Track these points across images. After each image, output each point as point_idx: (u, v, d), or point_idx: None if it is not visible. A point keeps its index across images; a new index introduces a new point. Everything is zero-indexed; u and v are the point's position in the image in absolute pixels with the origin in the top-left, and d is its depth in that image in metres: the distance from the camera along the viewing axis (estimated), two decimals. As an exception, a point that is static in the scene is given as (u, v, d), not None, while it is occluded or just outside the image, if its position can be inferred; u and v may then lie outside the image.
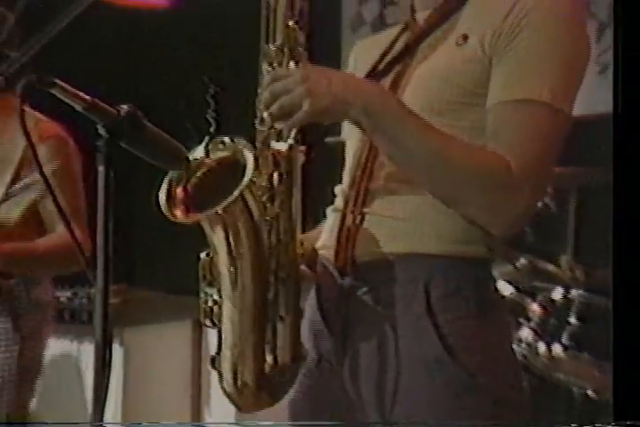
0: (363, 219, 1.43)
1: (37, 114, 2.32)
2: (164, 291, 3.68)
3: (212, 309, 1.37)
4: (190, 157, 1.36)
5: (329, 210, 1.54)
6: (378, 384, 1.40)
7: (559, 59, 1.37)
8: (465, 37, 1.40)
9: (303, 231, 1.44)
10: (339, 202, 1.51)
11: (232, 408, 3.44)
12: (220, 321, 1.37)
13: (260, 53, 1.39)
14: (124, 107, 1.29)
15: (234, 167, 1.33)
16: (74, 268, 2.41)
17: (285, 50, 1.36)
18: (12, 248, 2.35)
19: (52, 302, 2.64)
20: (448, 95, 1.40)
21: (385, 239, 1.41)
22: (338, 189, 1.53)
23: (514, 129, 1.35)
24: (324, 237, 1.50)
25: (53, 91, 1.23)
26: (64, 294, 3.53)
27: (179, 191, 1.35)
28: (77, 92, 1.28)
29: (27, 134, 1.29)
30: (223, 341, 1.38)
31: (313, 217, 1.56)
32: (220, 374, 1.40)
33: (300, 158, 1.39)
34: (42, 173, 1.41)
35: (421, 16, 1.51)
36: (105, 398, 1.28)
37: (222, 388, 1.41)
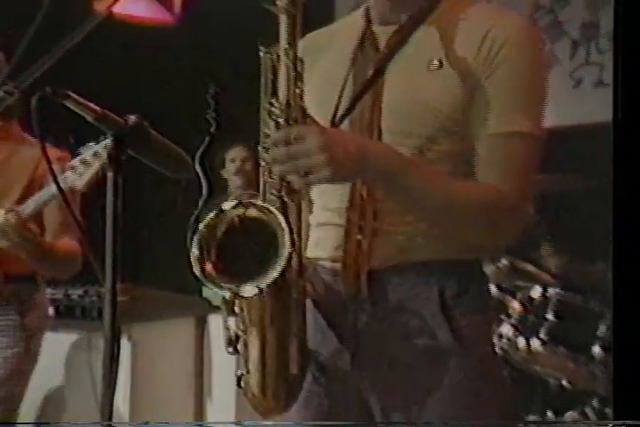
0: (374, 233, 1.43)
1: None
2: (168, 290, 3.68)
3: (237, 337, 1.37)
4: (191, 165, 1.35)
5: (313, 222, 1.52)
6: (394, 382, 1.42)
7: (533, 90, 1.43)
8: (439, 62, 1.41)
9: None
10: (327, 217, 1.49)
11: (231, 395, 3.44)
12: (245, 348, 1.37)
13: (262, 107, 1.35)
14: (131, 117, 1.31)
15: (257, 227, 1.31)
16: (70, 272, 2.49)
17: (292, 105, 1.33)
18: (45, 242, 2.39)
19: (47, 304, 2.67)
20: (426, 119, 1.41)
21: (398, 250, 1.43)
22: (317, 208, 1.52)
23: (503, 160, 1.40)
24: (318, 251, 1.49)
25: (67, 102, 1.25)
26: (76, 292, 3.53)
27: (208, 267, 1.32)
28: (88, 103, 1.29)
29: (47, 160, 1.30)
30: (250, 362, 1.38)
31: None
32: (245, 393, 1.40)
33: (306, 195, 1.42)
34: (60, 189, 1.42)
35: (380, 31, 1.49)
36: (114, 387, 1.30)
37: (248, 399, 1.41)
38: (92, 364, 3.08)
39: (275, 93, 1.34)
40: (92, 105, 1.29)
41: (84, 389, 3.11)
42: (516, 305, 3.05)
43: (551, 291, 3.03)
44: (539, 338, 2.98)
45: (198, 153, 1.41)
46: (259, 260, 1.30)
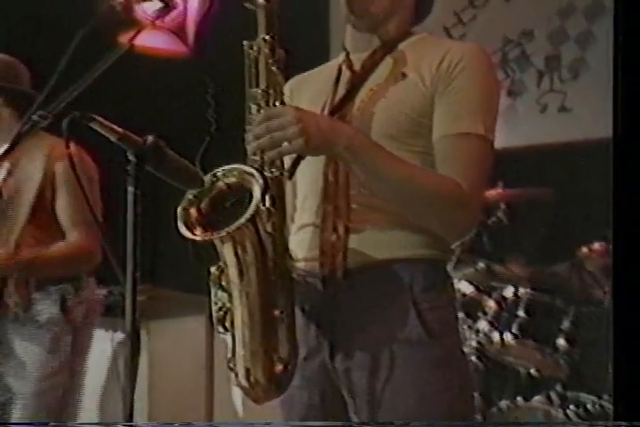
0: (347, 231, 1.42)
1: (52, 136, 2.26)
2: (182, 290, 3.67)
3: (224, 315, 1.34)
4: (204, 181, 1.34)
5: (295, 227, 1.50)
6: (372, 371, 1.39)
7: (486, 100, 1.45)
8: (404, 75, 1.45)
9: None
10: (308, 219, 1.47)
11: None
12: (231, 326, 1.34)
13: (247, 96, 1.37)
14: (149, 137, 1.31)
15: (241, 191, 1.32)
16: (80, 270, 2.43)
17: (271, 92, 1.36)
18: (30, 255, 2.34)
19: (97, 301, 2.62)
20: (399, 123, 1.43)
21: (370, 248, 1.42)
22: (299, 211, 1.50)
23: (459, 157, 1.41)
24: (301, 251, 1.46)
25: (92, 125, 1.25)
26: (101, 292, 3.52)
27: (193, 211, 1.33)
28: (112, 125, 1.29)
29: (72, 166, 1.30)
30: (237, 343, 1.34)
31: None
32: (235, 373, 1.36)
33: (288, 184, 1.40)
34: (80, 183, 1.44)
35: (356, 58, 1.52)
36: (135, 377, 1.28)
37: (237, 384, 1.37)
38: (117, 357, 3.07)
39: (257, 82, 1.36)
40: (114, 127, 1.29)
41: (108, 380, 3.11)
42: (491, 304, 3.05)
43: (522, 291, 3.03)
44: (511, 332, 2.98)
45: (200, 151, 1.41)
46: (237, 215, 1.29)
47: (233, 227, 1.28)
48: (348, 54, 1.54)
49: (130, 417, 1.24)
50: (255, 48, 1.37)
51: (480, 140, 1.41)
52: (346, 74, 1.52)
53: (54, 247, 2.39)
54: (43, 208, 2.38)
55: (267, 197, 1.32)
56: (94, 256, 2.38)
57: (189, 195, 1.34)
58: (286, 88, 1.48)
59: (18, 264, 2.32)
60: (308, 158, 1.44)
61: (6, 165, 2.41)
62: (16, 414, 2.35)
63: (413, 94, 1.44)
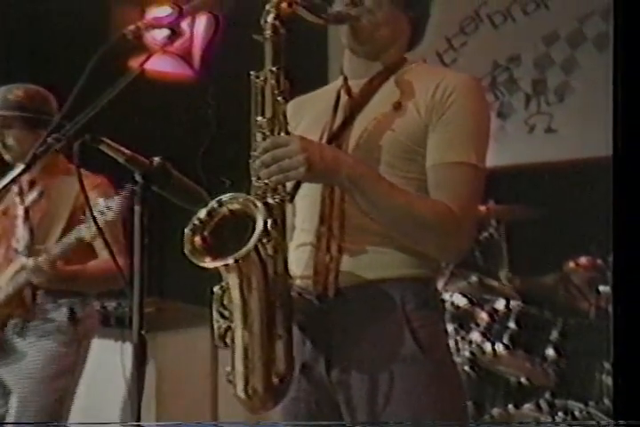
0: (341, 251, 1.41)
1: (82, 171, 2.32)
2: (188, 302, 3.66)
3: (225, 332, 1.32)
4: (208, 208, 1.33)
5: (292, 245, 1.48)
6: (368, 386, 1.38)
7: (478, 129, 1.44)
8: (399, 104, 1.44)
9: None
10: (305, 238, 1.46)
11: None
12: (232, 342, 1.32)
13: (252, 124, 1.36)
14: (156, 159, 1.31)
15: (244, 218, 1.31)
16: (113, 287, 2.42)
17: (276, 121, 1.35)
18: (69, 271, 2.36)
19: (96, 314, 2.64)
20: (395, 151, 1.42)
21: (362, 268, 1.41)
22: (297, 230, 1.49)
23: (451, 186, 1.40)
24: (298, 269, 1.45)
25: (101, 147, 1.25)
26: (111, 304, 3.51)
27: (197, 239, 1.31)
28: (120, 147, 1.29)
29: (82, 187, 1.30)
30: (236, 358, 1.33)
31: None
32: (234, 386, 1.35)
33: (288, 206, 1.38)
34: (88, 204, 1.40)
35: (354, 84, 1.51)
36: (142, 387, 1.29)
37: (236, 396, 1.35)
38: (125, 366, 3.05)
39: (263, 111, 1.36)
40: (122, 149, 1.29)
41: (116, 389, 3.08)
42: (483, 315, 3.04)
43: (513, 303, 3.02)
44: (502, 343, 2.96)
45: (199, 153, 1.40)
46: (241, 242, 1.28)
47: (237, 256, 1.27)
48: (346, 79, 1.53)
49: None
50: (262, 78, 1.36)
51: (471, 168, 1.40)
52: (344, 99, 1.51)
53: (93, 263, 2.42)
54: (74, 226, 2.37)
55: (268, 222, 1.31)
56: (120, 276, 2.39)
57: (194, 220, 1.33)
58: (287, 109, 1.45)
59: (58, 277, 2.32)
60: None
61: (38, 187, 2.48)
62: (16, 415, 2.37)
63: (408, 123, 1.42)
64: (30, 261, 2.31)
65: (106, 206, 2.12)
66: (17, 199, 2.51)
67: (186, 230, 1.32)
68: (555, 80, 3.71)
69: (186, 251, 1.30)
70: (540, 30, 3.75)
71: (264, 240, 1.31)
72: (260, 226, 1.27)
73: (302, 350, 1.41)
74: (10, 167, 2.31)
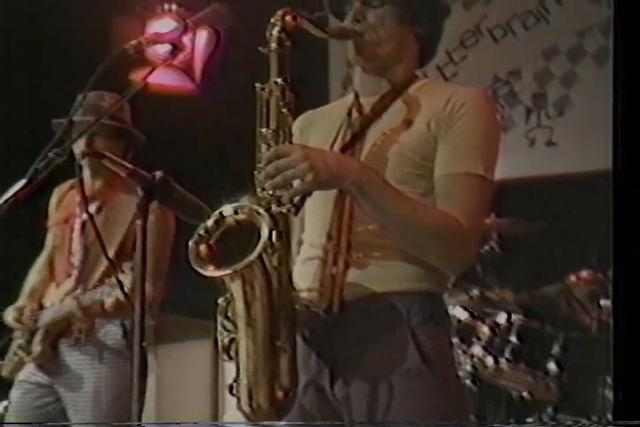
0: (347, 265, 1.41)
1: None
2: (189, 316, 3.65)
3: (229, 344, 1.32)
4: (214, 218, 1.32)
5: (299, 259, 1.48)
6: (371, 399, 1.37)
7: (487, 141, 1.44)
8: (410, 121, 1.44)
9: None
10: (313, 253, 1.46)
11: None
12: (236, 355, 1.31)
13: (257, 136, 1.36)
14: (158, 173, 1.30)
15: (250, 228, 1.30)
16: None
17: (280, 132, 1.35)
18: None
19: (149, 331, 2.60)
20: (404, 167, 1.42)
21: (368, 281, 1.40)
22: (305, 244, 1.49)
23: (458, 196, 1.40)
24: (304, 282, 1.44)
25: (104, 162, 1.25)
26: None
27: (203, 248, 1.30)
28: (122, 161, 1.29)
29: (84, 198, 1.28)
30: (241, 371, 1.31)
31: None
32: (238, 399, 1.33)
33: (292, 219, 1.36)
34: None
35: (365, 101, 1.51)
36: (143, 399, 1.28)
37: (239, 409, 1.34)
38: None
39: (267, 123, 1.35)
40: (124, 163, 1.29)
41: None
42: (485, 329, 3.03)
43: (514, 317, 3.01)
44: (504, 357, 2.96)
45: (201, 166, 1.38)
46: (245, 250, 1.27)
47: (242, 265, 1.26)
48: (357, 97, 1.53)
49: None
50: (267, 90, 1.36)
51: (479, 179, 1.40)
52: (355, 117, 1.51)
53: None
54: (126, 250, 2.32)
55: (273, 233, 1.30)
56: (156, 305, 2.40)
57: (200, 230, 1.32)
58: (296, 124, 1.48)
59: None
60: (318, 197, 1.42)
61: (97, 202, 2.40)
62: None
63: (418, 139, 1.42)
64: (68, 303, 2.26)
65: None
66: (77, 210, 2.45)
67: (191, 240, 1.31)
68: (555, 94, 3.72)
69: (191, 259, 1.29)
70: (540, 44, 3.76)
71: (269, 251, 1.30)
72: (264, 235, 1.26)
73: (307, 362, 1.40)
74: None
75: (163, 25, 4.02)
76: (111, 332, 2.37)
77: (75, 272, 2.39)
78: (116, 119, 2.35)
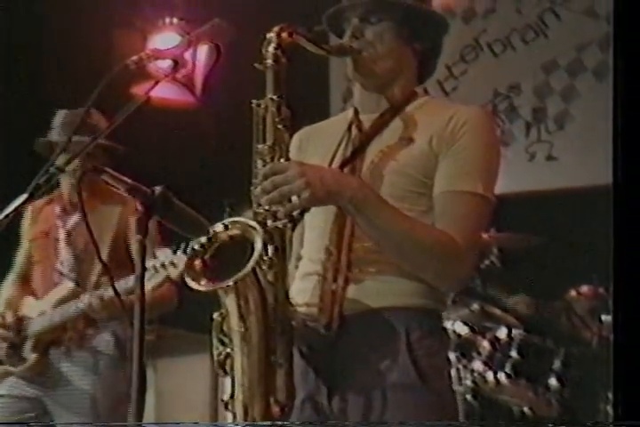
0: (347, 281, 1.41)
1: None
2: (188, 330, 3.64)
3: (224, 359, 1.32)
4: (209, 230, 1.32)
5: (298, 274, 1.48)
6: (366, 414, 1.36)
7: (487, 161, 1.44)
8: (411, 139, 1.44)
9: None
10: (312, 268, 1.46)
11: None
12: (231, 369, 1.31)
13: (254, 151, 1.36)
14: (157, 188, 1.30)
15: (243, 242, 1.30)
16: (160, 314, 2.44)
17: (276, 148, 1.35)
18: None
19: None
20: (404, 184, 1.42)
21: (367, 297, 1.40)
22: (304, 260, 1.49)
23: (456, 214, 1.40)
24: (303, 298, 1.44)
25: (104, 177, 1.25)
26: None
27: (198, 263, 1.31)
28: (122, 176, 1.29)
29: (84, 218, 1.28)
30: (236, 386, 1.31)
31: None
32: (234, 414, 1.33)
33: (289, 234, 1.36)
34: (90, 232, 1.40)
35: (365, 118, 1.51)
36: (142, 412, 1.26)
37: (235, 424, 1.34)
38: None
39: (264, 138, 1.36)
40: (124, 178, 1.29)
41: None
42: (485, 344, 3.02)
43: (515, 332, 3.00)
44: (505, 372, 2.95)
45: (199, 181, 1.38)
46: (239, 265, 1.27)
47: (235, 278, 1.26)
48: (357, 113, 1.53)
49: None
50: (263, 106, 1.37)
51: (478, 198, 1.40)
52: (354, 133, 1.51)
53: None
54: (120, 252, 2.37)
55: (269, 248, 1.30)
56: (173, 302, 2.40)
57: (195, 245, 1.32)
58: (295, 139, 1.49)
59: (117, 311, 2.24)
60: (318, 213, 1.43)
61: (78, 214, 2.43)
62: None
63: (419, 156, 1.42)
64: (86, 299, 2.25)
65: (171, 262, 2.07)
66: (58, 222, 2.48)
67: (187, 255, 1.32)
68: (554, 108, 3.73)
69: (185, 274, 1.30)
70: (540, 59, 3.77)
71: (264, 267, 1.30)
72: (258, 249, 1.26)
73: (305, 378, 1.40)
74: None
75: (164, 38, 4.04)
76: (103, 341, 2.39)
77: (67, 280, 2.40)
78: (107, 137, 2.36)
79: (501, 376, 2.94)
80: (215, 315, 1.32)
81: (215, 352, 1.33)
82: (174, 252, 2.11)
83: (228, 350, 1.32)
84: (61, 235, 2.47)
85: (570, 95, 3.70)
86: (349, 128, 1.51)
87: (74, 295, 2.34)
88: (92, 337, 2.39)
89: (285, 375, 1.32)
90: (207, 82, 4.19)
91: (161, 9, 4.13)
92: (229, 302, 1.29)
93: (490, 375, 2.95)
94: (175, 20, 4.10)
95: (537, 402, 2.96)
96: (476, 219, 1.41)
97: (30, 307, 2.44)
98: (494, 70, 3.90)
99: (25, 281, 2.52)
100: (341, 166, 1.46)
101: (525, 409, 3.01)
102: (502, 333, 3.01)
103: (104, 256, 2.28)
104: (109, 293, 2.23)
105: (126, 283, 2.13)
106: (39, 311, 2.40)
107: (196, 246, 1.31)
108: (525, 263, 3.26)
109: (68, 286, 2.39)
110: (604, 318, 2.98)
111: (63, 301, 2.36)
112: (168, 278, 2.10)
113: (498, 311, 3.13)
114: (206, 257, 1.31)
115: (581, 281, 3.06)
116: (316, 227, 1.46)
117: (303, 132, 1.58)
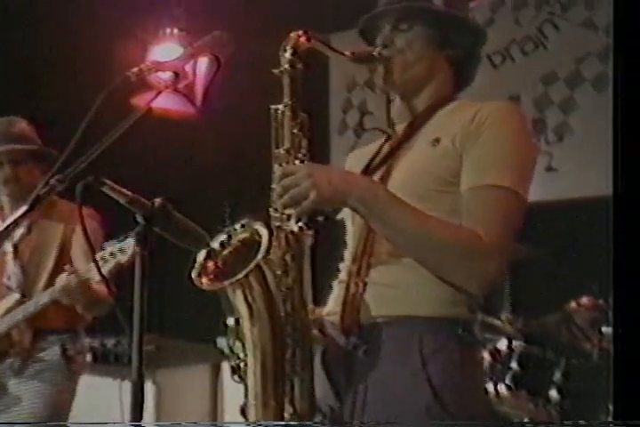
0: (365, 288, 1.39)
1: (64, 201, 2.33)
2: (187, 340, 3.63)
3: (238, 366, 1.31)
4: (220, 238, 1.33)
5: (335, 283, 1.49)
6: (382, 422, 1.35)
7: (515, 153, 1.38)
8: (437, 140, 1.42)
9: (315, 301, 1.39)
10: (342, 275, 1.47)
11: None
12: (245, 376, 1.31)
13: (272, 156, 1.37)
14: (157, 200, 1.30)
15: (254, 245, 1.31)
16: (99, 314, 2.38)
17: (292, 152, 1.35)
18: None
19: (86, 351, 2.61)
20: (430, 184, 1.40)
21: (384, 304, 1.38)
22: (342, 265, 1.50)
23: (484, 208, 1.34)
24: (331, 305, 1.45)
25: (104, 189, 1.25)
26: (110, 342, 3.48)
27: (210, 264, 1.32)
28: (122, 189, 1.29)
29: (85, 231, 1.30)
30: (249, 393, 1.31)
31: (324, 289, 1.50)
32: (246, 420, 1.32)
33: (309, 240, 1.34)
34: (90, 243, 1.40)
35: (399, 128, 1.52)
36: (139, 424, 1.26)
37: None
38: (123, 404, 3.01)
39: (281, 142, 1.36)
40: (124, 190, 1.29)
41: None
42: (485, 355, 3.01)
43: (515, 343, 2.99)
44: (505, 384, 2.93)
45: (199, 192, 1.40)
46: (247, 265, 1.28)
47: (242, 273, 1.26)
48: (393, 125, 1.53)
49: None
50: (280, 111, 1.37)
51: (505, 191, 1.34)
52: (389, 142, 1.52)
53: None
54: (65, 260, 2.37)
55: (287, 257, 1.31)
56: (110, 302, 2.34)
57: (207, 249, 1.33)
58: (348, 159, 1.55)
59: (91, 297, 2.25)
60: (351, 218, 1.43)
61: (25, 223, 2.43)
62: None
63: (445, 156, 1.40)
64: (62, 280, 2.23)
65: (120, 249, 2.08)
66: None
67: (199, 255, 1.32)
68: (554, 120, 3.74)
69: (194, 274, 1.30)
70: (539, 71, 3.78)
71: (278, 272, 1.30)
72: (264, 246, 1.26)
73: (324, 387, 1.39)
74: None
75: (164, 49, 4.05)
76: (50, 350, 2.38)
77: (13, 292, 2.39)
78: (29, 142, 2.42)
79: (502, 388, 2.93)
80: (229, 320, 1.32)
81: (231, 359, 1.32)
82: (121, 241, 2.09)
83: (242, 355, 1.31)
84: (8, 248, 2.45)
85: (569, 107, 3.70)
86: (386, 140, 1.52)
87: (20, 306, 2.33)
88: (38, 351, 2.38)
89: (304, 385, 1.31)
90: (207, 93, 4.19)
91: (162, 19, 4.15)
92: (239, 302, 1.28)
93: (490, 387, 2.94)
94: (176, 31, 4.11)
95: (537, 414, 2.95)
96: (503, 213, 1.34)
97: None
98: (493, 82, 3.91)
99: None
100: (369, 173, 1.45)
101: (526, 421, 2.99)
102: (502, 344, 3.00)
103: (50, 268, 2.34)
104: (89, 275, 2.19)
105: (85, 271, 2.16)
106: None
107: (208, 249, 1.32)
108: (525, 274, 3.26)
109: (14, 297, 2.37)
110: (604, 329, 2.97)
111: (9, 311, 2.34)
112: (119, 264, 2.07)
113: (498, 322, 3.12)
114: (219, 261, 1.32)
115: (581, 293, 3.06)
116: (349, 232, 1.47)
117: (352, 153, 1.60)
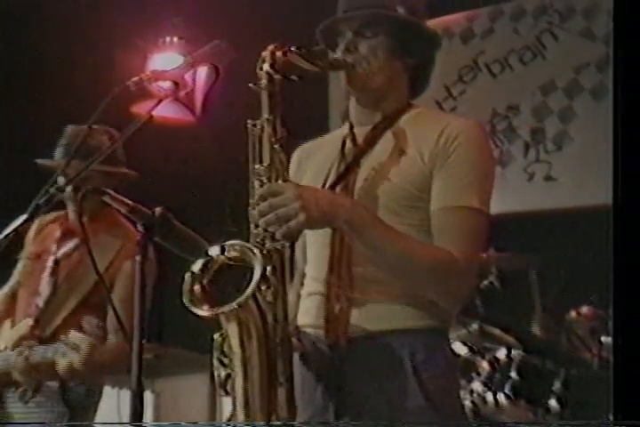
0: (351, 303, 1.40)
1: (129, 226, 2.08)
2: (186, 349, 3.62)
3: (225, 379, 1.31)
4: (208, 251, 1.32)
5: (304, 293, 1.49)
6: None
7: (482, 174, 1.44)
8: (402, 151, 1.44)
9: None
10: (315, 287, 1.46)
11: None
12: (232, 389, 1.31)
13: (250, 172, 1.36)
14: (158, 209, 1.30)
15: (242, 265, 1.31)
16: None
17: (273, 168, 1.35)
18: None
19: None
20: (398, 198, 1.43)
21: (371, 319, 1.40)
22: (308, 278, 1.49)
23: (454, 229, 1.40)
24: (308, 318, 1.45)
25: (104, 198, 1.25)
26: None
27: (197, 288, 1.30)
28: (123, 198, 1.29)
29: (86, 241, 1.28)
30: (237, 405, 1.31)
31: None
32: None
33: (287, 252, 1.35)
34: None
35: (359, 132, 1.52)
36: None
37: (234, 425, 1.34)
38: (122, 413, 3.00)
39: (260, 158, 1.35)
40: (125, 200, 1.29)
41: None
42: (484, 365, 3.00)
43: (514, 352, 2.98)
44: (504, 393, 2.92)
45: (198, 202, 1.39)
46: (240, 290, 1.27)
47: (235, 303, 1.26)
48: (352, 127, 1.53)
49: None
50: (258, 127, 1.37)
51: (474, 212, 1.40)
52: (349, 147, 1.51)
53: (104, 351, 2.10)
54: (93, 300, 2.14)
55: (267, 269, 1.30)
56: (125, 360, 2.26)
57: (194, 270, 1.32)
58: (295, 155, 1.50)
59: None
60: (318, 230, 1.41)
61: (75, 240, 2.21)
62: None
63: (413, 170, 1.43)
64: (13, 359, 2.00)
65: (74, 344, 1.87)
66: (53, 247, 2.24)
67: (185, 279, 1.30)
68: (553, 129, 3.74)
69: (185, 300, 1.29)
70: (538, 80, 3.79)
71: (263, 287, 1.30)
72: (257, 274, 1.26)
73: (313, 396, 1.40)
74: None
75: (164, 58, 4.06)
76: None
77: (35, 315, 2.17)
78: (111, 160, 2.13)
79: (501, 397, 2.92)
80: (216, 336, 1.32)
81: (216, 373, 1.32)
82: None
83: (229, 370, 1.31)
84: (50, 262, 2.22)
85: (568, 116, 3.71)
86: (344, 143, 1.52)
87: (31, 336, 2.12)
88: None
89: (287, 393, 1.32)
90: (207, 101, 4.20)
91: (161, 28, 4.16)
92: (230, 326, 1.29)
93: (489, 396, 2.93)
94: (175, 40, 4.12)
95: (537, 424, 2.95)
96: (473, 233, 1.41)
97: (4, 334, 2.22)
98: (493, 91, 3.92)
99: (12, 301, 2.28)
100: (336, 182, 1.46)
101: (524, 421, 2.98)
102: (502, 353, 2.99)
103: (77, 299, 2.09)
104: (36, 357, 1.98)
105: (45, 351, 1.96)
106: (4, 345, 2.17)
107: (195, 270, 1.30)
108: (525, 284, 3.25)
109: (27, 323, 2.16)
110: (603, 339, 2.96)
111: (21, 340, 2.12)
112: (70, 364, 1.90)
113: (497, 332, 3.12)
114: (205, 281, 1.30)
115: (581, 302, 3.05)
116: (315, 242, 1.46)
117: (302, 149, 1.58)
